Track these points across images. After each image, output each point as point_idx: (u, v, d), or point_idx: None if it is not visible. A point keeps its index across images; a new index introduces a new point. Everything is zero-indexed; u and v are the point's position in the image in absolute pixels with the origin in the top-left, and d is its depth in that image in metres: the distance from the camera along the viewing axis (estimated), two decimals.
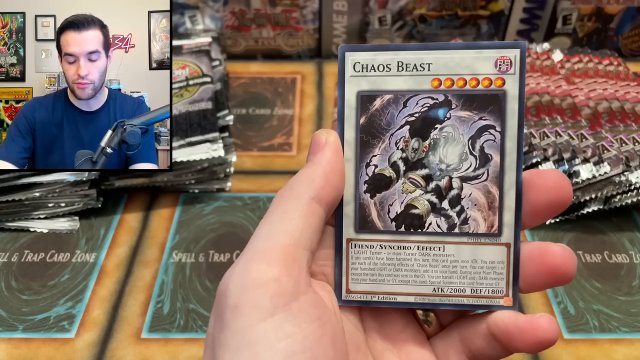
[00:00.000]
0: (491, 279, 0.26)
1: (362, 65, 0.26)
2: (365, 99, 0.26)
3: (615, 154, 0.45)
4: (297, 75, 0.65)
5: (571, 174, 0.45)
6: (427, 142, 0.26)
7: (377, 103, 0.26)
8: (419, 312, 0.28)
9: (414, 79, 0.26)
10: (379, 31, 0.67)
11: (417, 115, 0.26)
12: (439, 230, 0.27)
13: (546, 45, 0.60)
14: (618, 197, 0.45)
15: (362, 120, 0.27)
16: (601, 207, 0.45)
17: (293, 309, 0.22)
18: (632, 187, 0.45)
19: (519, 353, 0.35)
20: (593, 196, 0.45)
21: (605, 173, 0.44)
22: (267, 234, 0.24)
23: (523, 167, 0.27)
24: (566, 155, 0.45)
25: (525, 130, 0.46)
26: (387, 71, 0.26)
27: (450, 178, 0.26)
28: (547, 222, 0.47)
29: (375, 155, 0.27)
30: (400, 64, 0.26)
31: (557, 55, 0.58)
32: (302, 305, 0.23)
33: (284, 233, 0.24)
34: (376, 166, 0.27)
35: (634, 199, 0.45)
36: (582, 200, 0.45)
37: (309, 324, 0.23)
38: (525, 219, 0.26)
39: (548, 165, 0.45)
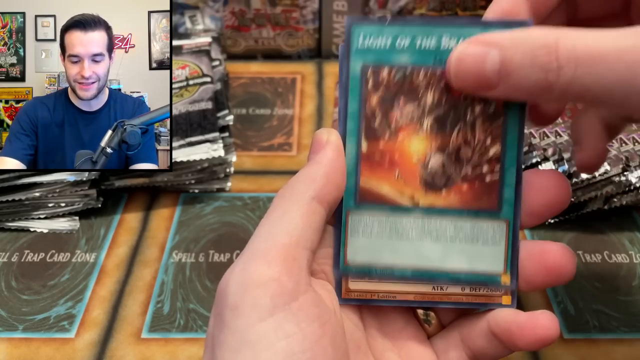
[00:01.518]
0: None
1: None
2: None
3: (615, 154, 0.45)
4: (297, 75, 0.65)
5: (571, 174, 0.45)
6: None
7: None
8: (419, 311, 0.28)
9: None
10: None
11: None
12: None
13: None
14: (618, 197, 0.45)
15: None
16: (601, 207, 0.45)
17: (293, 309, 0.22)
18: (632, 187, 0.45)
19: (519, 351, 0.35)
20: (593, 196, 0.45)
21: (605, 173, 0.44)
22: (267, 234, 0.24)
23: (523, 166, 0.27)
24: (566, 155, 0.45)
25: (525, 130, 0.46)
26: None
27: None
28: (547, 222, 0.47)
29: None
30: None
31: None
32: (302, 304, 0.23)
33: (284, 232, 0.24)
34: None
35: (634, 199, 0.45)
36: (582, 200, 0.45)
37: (309, 323, 0.23)
38: (524, 218, 0.26)
39: (548, 165, 0.45)
